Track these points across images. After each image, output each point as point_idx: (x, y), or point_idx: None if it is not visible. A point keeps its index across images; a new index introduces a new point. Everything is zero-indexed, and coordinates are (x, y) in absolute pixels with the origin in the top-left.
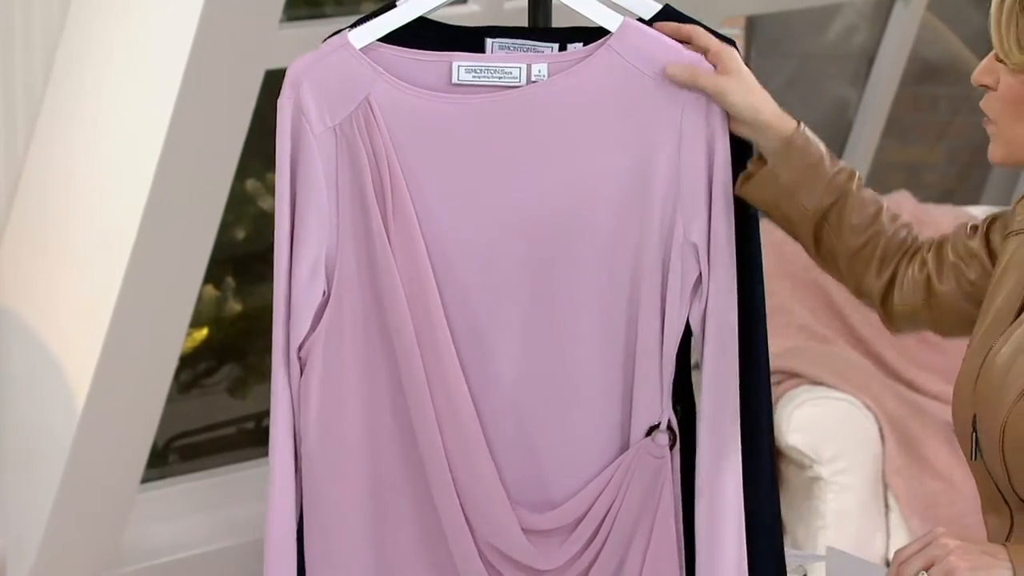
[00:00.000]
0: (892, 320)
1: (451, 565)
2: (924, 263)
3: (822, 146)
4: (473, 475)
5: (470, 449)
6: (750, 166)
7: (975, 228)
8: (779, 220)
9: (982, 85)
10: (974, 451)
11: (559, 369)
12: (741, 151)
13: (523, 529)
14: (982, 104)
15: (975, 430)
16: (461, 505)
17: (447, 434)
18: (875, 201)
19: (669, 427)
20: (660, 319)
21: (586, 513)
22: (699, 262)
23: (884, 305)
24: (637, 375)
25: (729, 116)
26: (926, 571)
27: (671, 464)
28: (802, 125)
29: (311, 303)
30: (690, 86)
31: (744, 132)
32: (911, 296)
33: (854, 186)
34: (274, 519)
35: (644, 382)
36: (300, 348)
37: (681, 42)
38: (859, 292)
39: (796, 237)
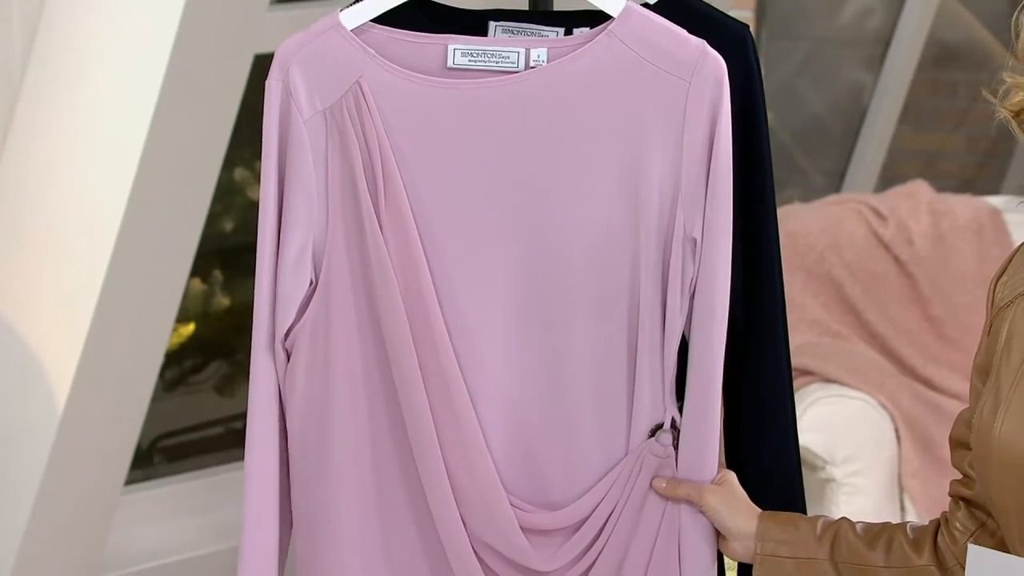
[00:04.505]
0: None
1: (447, 565)
2: (952, 523)
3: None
4: (470, 472)
5: (467, 445)
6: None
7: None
8: None
9: None
10: None
11: (555, 364)
12: (745, 145)
13: (522, 529)
14: None
15: None
16: (456, 503)
17: (442, 429)
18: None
19: (673, 425)
20: (661, 315)
21: (590, 514)
22: (695, 258)
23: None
24: (638, 372)
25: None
26: None
27: (675, 462)
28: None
29: (297, 292)
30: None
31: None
32: (964, 536)
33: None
34: (250, 525)
35: (646, 380)
36: (285, 338)
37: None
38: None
39: None
